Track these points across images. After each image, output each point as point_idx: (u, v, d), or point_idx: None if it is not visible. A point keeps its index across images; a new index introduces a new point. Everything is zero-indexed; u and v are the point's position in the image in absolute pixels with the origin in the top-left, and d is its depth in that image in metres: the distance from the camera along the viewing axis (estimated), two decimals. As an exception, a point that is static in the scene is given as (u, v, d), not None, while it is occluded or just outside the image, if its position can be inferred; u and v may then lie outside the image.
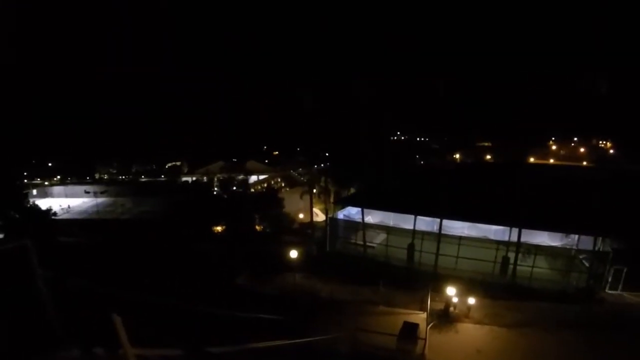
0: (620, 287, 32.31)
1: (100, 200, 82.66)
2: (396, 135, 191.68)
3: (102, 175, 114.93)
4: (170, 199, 65.93)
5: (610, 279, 32.58)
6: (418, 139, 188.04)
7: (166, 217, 55.88)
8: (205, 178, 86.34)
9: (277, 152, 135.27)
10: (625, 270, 32.18)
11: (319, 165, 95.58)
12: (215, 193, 71.01)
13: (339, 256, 39.97)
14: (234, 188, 70.40)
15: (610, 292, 32.27)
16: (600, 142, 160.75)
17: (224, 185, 71.84)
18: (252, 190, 78.34)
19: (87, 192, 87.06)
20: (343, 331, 21.12)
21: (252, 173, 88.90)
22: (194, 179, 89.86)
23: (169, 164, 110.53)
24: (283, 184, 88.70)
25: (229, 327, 21.14)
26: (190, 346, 8.14)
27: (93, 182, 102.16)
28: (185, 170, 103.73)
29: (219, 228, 50.46)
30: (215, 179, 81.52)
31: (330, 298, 29.15)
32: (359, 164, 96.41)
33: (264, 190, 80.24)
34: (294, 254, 32.75)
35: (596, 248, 34.17)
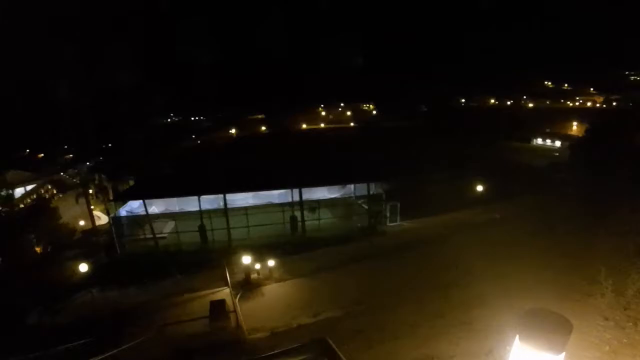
0: (398, 218, 40.47)
1: None
2: (170, 117, 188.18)
3: None
4: None
5: (388, 215, 40.36)
6: (193, 118, 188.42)
7: None
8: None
9: (42, 155, 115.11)
10: (398, 204, 40.35)
11: (90, 161, 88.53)
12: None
13: (132, 257, 37.97)
14: (-2, 208, 60.58)
15: (391, 224, 40.15)
16: (364, 105, 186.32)
17: (-19, 207, 60.22)
18: (22, 205, 67.65)
19: None
20: (150, 333, 20.88)
21: (15, 186, 75.42)
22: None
23: None
24: (55, 191, 77.94)
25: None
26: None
27: None
28: None
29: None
30: None
31: (134, 303, 27.72)
32: (134, 152, 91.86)
33: (35, 202, 70.03)
34: (83, 268, 30.66)
35: (370, 192, 41.33)
